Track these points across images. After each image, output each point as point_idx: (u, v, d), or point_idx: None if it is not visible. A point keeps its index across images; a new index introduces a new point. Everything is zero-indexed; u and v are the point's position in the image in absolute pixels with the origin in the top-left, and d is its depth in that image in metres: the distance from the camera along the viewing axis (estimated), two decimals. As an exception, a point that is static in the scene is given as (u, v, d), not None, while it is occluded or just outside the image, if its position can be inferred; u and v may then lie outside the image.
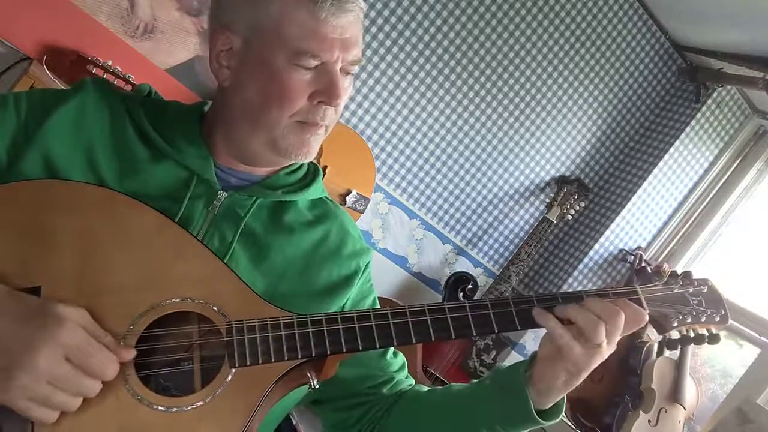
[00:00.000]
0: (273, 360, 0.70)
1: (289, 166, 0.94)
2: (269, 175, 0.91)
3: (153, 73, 1.96)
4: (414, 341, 0.74)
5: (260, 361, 0.70)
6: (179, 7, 1.98)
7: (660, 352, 2.29)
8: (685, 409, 2.16)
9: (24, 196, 0.72)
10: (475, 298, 2.51)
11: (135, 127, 0.84)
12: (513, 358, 2.74)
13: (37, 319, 0.64)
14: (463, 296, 2.52)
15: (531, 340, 2.76)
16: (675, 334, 0.84)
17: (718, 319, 0.84)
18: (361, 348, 0.73)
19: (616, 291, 0.80)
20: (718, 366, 2.53)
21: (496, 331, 0.77)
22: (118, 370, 0.66)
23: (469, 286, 2.53)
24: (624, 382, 2.30)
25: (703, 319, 0.84)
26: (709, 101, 2.59)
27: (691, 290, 0.84)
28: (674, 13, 2.48)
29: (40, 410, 0.63)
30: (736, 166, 2.73)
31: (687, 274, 0.86)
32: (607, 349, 0.76)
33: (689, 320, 0.83)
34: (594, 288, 2.73)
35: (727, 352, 2.51)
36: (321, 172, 0.99)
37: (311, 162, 0.98)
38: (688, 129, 2.60)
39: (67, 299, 0.67)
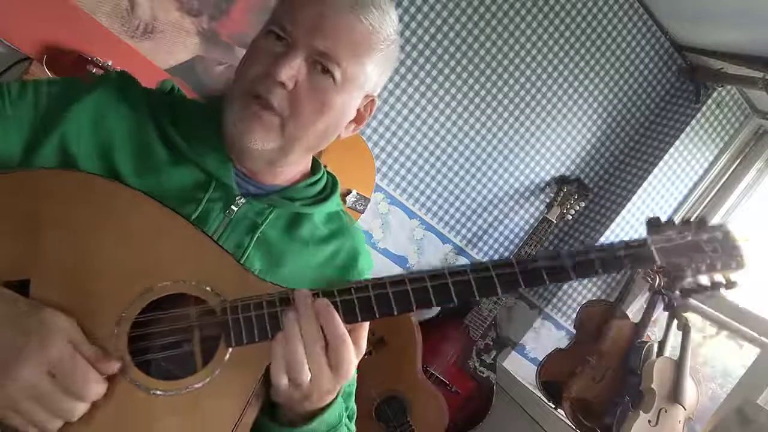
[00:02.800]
0: (270, 337, 0.69)
1: (309, 177, 0.92)
2: (288, 186, 0.90)
3: (153, 73, 1.96)
4: (414, 308, 0.71)
5: (257, 339, 0.69)
6: (179, 7, 1.98)
7: (660, 352, 2.29)
8: (685, 409, 2.16)
9: (6, 187, 0.71)
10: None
11: (157, 126, 0.83)
12: (513, 358, 2.74)
13: (28, 328, 0.63)
14: (463, 296, 2.51)
15: (531, 340, 2.76)
16: (691, 284, 0.80)
17: (734, 264, 0.80)
18: (360, 318, 0.71)
19: (626, 244, 0.76)
20: (718, 366, 2.53)
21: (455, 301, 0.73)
22: (102, 391, 0.65)
23: (469, 286, 2.52)
24: (624, 382, 2.30)
25: (719, 266, 0.79)
26: (709, 101, 2.59)
27: (705, 237, 0.80)
28: (674, 13, 2.48)
29: (18, 422, 0.62)
30: (736, 166, 2.73)
31: (702, 221, 0.82)
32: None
33: (704, 268, 0.79)
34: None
35: (727, 352, 2.51)
36: (338, 184, 0.97)
37: (330, 174, 0.97)
38: (688, 129, 2.60)
39: (55, 297, 0.67)
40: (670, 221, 0.81)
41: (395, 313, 0.71)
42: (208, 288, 0.71)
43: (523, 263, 0.73)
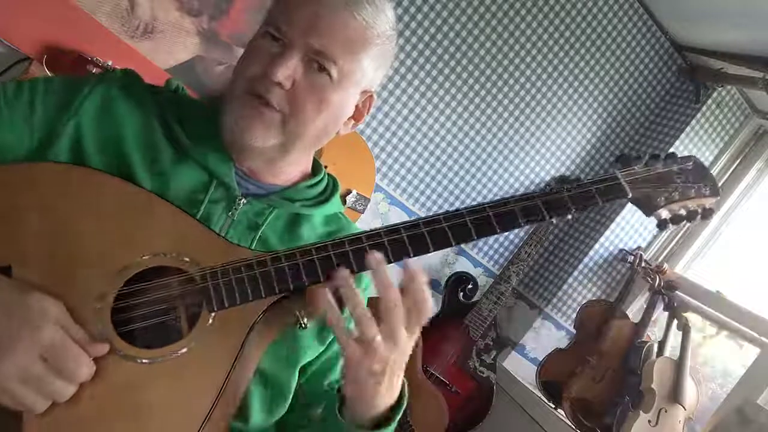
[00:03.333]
0: (251, 298, 0.71)
1: (310, 178, 0.93)
2: (288, 186, 0.90)
3: (153, 73, 1.96)
4: (392, 260, 0.74)
5: (238, 302, 0.71)
6: (179, 7, 1.98)
7: (660, 352, 2.29)
8: (685, 409, 2.16)
9: None
10: (475, 298, 2.51)
11: (162, 122, 0.84)
12: (513, 358, 2.74)
13: (19, 313, 0.64)
14: (463, 296, 2.52)
15: (531, 340, 2.76)
16: (666, 214, 0.82)
17: (708, 192, 0.82)
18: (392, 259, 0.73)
19: (595, 180, 0.79)
20: (718, 366, 2.53)
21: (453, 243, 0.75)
22: (92, 373, 0.66)
23: (469, 286, 2.53)
24: (624, 382, 2.30)
25: (692, 194, 0.81)
26: (709, 101, 2.59)
27: (675, 168, 0.82)
28: (674, 13, 2.48)
29: (7, 402, 0.64)
30: (736, 166, 2.73)
31: (671, 155, 0.84)
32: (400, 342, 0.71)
33: (677, 197, 0.81)
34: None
35: (727, 352, 2.51)
36: (339, 186, 0.98)
37: (331, 176, 0.98)
38: (688, 129, 2.60)
39: (39, 282, 0.68)
40: (638, 156, 0.83)
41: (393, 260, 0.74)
42: (186, 259, 0.72)
43: (496, 206, 0.75)
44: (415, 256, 0.74)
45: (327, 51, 0.79)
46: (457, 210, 0.75)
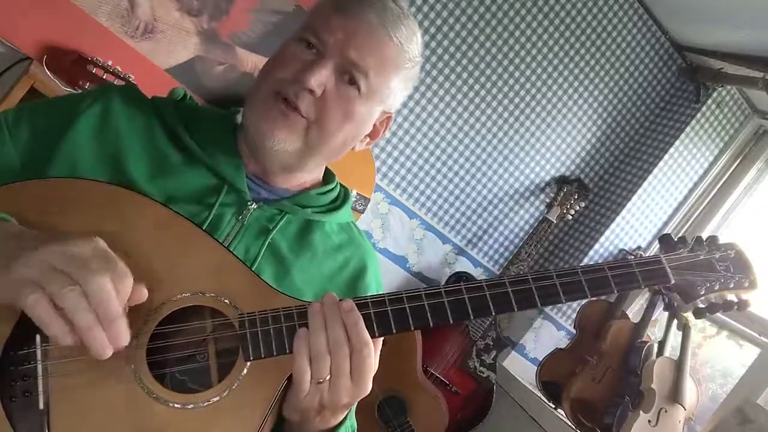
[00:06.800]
0: (288, 351, 0.69)
1: (322, 186, 0.93)
2: (300, 192, 0.90)
3: (153, 73, 1.96)
4: (431, 324, 0.72)
5: (275, 353, 0.69)
6: (179, 7, 1.98)
7: (660, 352, 2.29)
8: (685, 409, 2.16)
9: (24, 197, 0.70)
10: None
11: (167, 130, 0.83)
12: (513, 358, 2.74)
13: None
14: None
15: (531, 341, 2.76)
16: (703, 302, 0.81)
17: (747, 284, 0.82)
18: (377, 333, 0.70)
19: (639, 261, 0.77)
20: (718, 366, 2.53)
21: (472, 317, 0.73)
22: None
23: (469, 286, 2.52)
24: (624, 382, 2.30)
25: (732, 285, 0.81)
26: (709, 101, 2.59)
27: (717, 256, 0.81)
28: (674, 13, 2.48)
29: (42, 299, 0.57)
30: (736, 166, 2.73)
31: (713, 239, 0.83)
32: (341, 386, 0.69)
33: (717, 287, 0.80)
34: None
35: (727, 352, 2.51)
36: (351, 196, 0.98)
37: (343, 185, 0.98)
38: (688, 129, 2.60)
39: None
40: (682, 239, 0.82)
41: (412, 328, 0.72)
42: (226, 300, 0.71)
43: (539, 279, 0.73)
44: (454, 320, 0.72)
45: (361, 63, 0.80)
46: (500, 278, 0.73)
